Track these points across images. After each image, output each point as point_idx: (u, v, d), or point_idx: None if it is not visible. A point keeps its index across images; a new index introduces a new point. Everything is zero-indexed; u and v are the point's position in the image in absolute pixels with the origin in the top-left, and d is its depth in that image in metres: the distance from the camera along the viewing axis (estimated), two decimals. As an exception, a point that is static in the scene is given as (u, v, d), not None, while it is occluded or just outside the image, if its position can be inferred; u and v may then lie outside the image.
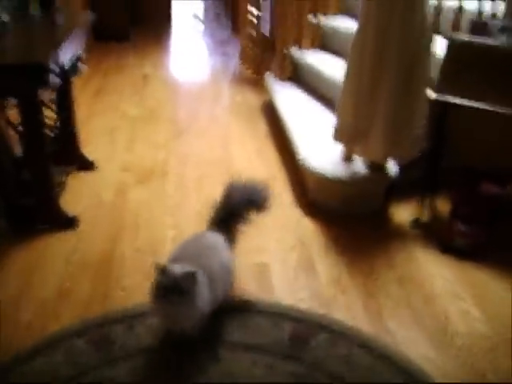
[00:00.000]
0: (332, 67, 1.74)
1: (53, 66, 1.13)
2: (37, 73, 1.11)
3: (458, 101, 1.18)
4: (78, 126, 1.55)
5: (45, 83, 1.14)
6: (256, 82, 2.31)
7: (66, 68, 1.26)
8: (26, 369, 0.90)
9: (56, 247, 1.21)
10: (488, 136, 1.37)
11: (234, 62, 2.63)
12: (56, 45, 1.19)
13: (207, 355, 0.93)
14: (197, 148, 1.71)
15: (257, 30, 2.44)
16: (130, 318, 0.99)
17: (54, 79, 1.17)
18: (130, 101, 2.11)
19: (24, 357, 0.92)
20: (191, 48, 2.94)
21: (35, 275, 1.13)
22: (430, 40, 1.24)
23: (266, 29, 2.41)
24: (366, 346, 0.95)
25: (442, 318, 1.03)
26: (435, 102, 1.22)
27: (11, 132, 1.33)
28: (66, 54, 1.25)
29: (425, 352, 0.95)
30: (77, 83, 1.56)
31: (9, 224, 1.24)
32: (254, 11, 2.42)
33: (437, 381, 0.91)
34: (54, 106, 1.42)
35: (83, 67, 1.44)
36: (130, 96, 2.16)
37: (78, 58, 1.41)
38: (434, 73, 1.25)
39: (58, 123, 1.45)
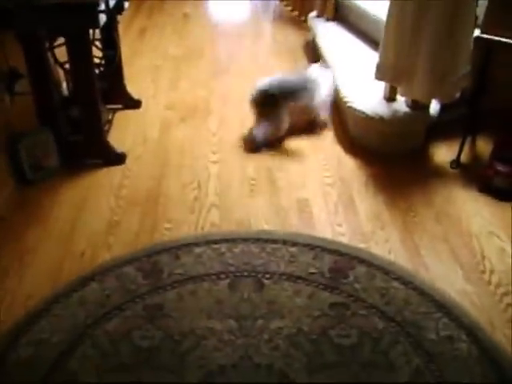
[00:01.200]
0: (376, 5, 1.71)
1: (101, 5, 1.15)
2: (88, 12, 1.13)
3: (501, 40, 1.15)
4: (123, 65, 1.57)
5: (95, 22, 1.15)
6: (298, 22, 2.29)
7: (112, 6, 1.26)
8: (80, 294, 0.95)
9: (105, 182, 1.25)
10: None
11: (276, 1, 2.59)
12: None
13: (251, 283, 0.97)
14: (237, 86, 1.70)
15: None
16: (176, 248, 1.03)
17: (102, 17, 1.19)
18: (172, 40, 2.11)
19: (78, 283, 0.97)
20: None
21: (86, 209, 1.17)
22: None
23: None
24: (403, 279, 0.97)
25: (478, 256, 1.04)
26: (479, 41, 1.19)
27: (58, 70, 1.35)
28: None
29: (461, 287, 0.97)
30: (121, 23, 1.57)
31: (60, 159, 1.28)
32: None
33: (473, 315, 0.92)
34: (99, 44, 1.42)
35: (125, 4, 1.46)
36: (171, 35, 2.17)
37: (123, -4, 1.51)
38: (481, 11, 1.22)
39: (104, 62, 1.46)
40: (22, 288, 0.99)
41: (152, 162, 1.32)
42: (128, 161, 1.31)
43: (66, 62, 1.27)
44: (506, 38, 1.16)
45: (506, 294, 0.97)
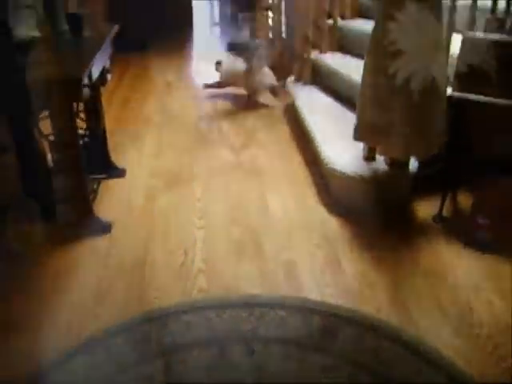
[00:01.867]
0: (352, 68, 1.73)
1: (85, 80, 1.17)
2: (72, 86, 1.15)
3: (473, 97, 1.18)
4: (107, 135, 1.57)
5: (78, 96, 1.19)
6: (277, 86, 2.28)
7: (95, 80, 1.27)
8: (68, 367, 0.92)
9: (91, 252, 1.23)
10: (505, 129, 1.39)
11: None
12: (88, 59, 1.22)
13: (240, 349, 0.95)
14: (220, 152, 1.72)
15: (275, 34, 2.47)
16: (164, 316, 1.02)
17: (86, 91, 1.24)
18: (155, 108, 2.14)
19: (65, 357, 0.94)
20: (211, 53, 2.84)
21: (73, 279, 1.15)
22: (445, 39, 1.24)
23: (285, 33, 2.45)
24: (392, 337, 0.96)
25: (466, 309, 1.03)
26: (451, 99, 1.21)
27: (43, 141, 1.32)
28: (97, 66, 1.29)
29: (451, 342, 0.95)
30: (103, 94, 1.59)
31: (46, 229, 1.27)
32: (271, 14, 2.48)
33: (465, 369, 0.90)
34: (83, 116, 1.44)
35: (108, 76, 1.50)
36: (155, 103, 2.20)
37: (106, 69, 1.46)
38: (451, 71, 1.25)
39: (88, 132, 1.47)
40: (4, 364, 0.96)
41: (138, 230, 1.31)
42: (114, 230, 1.29)
43: (50, 134, 1.25)
44: (476, 94, 1.18)
45: (496, 346, 0.95)
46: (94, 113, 1.53)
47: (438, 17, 1.22)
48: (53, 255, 1.25)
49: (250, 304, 1.08)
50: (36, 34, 1.33)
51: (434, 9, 1.22)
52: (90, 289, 1.14)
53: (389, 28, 1.15)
